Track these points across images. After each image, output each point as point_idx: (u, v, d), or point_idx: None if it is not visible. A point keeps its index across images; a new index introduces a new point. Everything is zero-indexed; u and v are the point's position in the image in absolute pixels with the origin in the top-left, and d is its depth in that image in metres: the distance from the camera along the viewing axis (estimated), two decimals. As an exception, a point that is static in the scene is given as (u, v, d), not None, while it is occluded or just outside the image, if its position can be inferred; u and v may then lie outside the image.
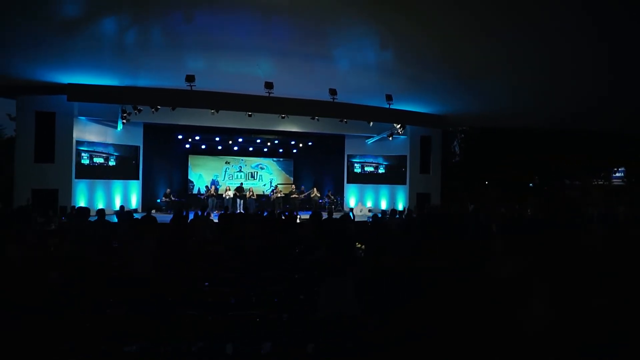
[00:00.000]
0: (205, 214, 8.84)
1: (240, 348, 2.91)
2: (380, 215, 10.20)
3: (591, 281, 3.94)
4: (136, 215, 10.54)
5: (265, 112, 11.84)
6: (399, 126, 13.53)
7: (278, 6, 7.03)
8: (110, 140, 13.93)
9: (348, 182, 16.88)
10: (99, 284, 4.29)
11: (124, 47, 9.04)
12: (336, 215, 9.83)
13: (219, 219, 9.18)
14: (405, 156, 16.12)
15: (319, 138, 16.76)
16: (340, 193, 16.87)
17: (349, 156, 16.88)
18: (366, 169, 16.98)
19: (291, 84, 10.50)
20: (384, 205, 16.19)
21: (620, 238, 6.70)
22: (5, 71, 10.36)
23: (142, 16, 7.64)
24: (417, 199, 15.57)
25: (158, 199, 15.44)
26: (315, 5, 7.04)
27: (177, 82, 9.76)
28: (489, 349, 2.86)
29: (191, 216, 9.00)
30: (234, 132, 15.65)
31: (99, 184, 13.55)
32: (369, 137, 15.85)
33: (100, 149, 13.65)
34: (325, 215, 9.10)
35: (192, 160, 16.67)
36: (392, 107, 11.50)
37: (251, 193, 15.11)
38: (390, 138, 14.72)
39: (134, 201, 14.79)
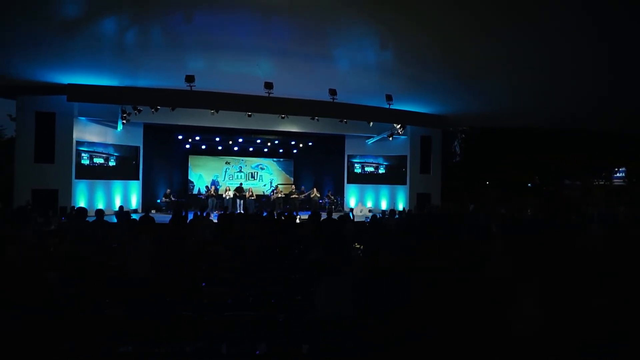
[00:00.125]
0: (204, 214, 8.83)
1: (236, 348, 2.90)
2: (380, 216, 10.19)
3: (591, 281, 3.93)
4: (136, 216, 10.54)
5: (265, 112, 11.85)
6: (399, 126, 13.53)
7: (278, 6, 7.03)
8: (110, 141, 13.94)
9: (348, 182, 16.89)
10: (96, 284, 4.28)
11: (124, 47, 9.04)
12: (336, 215, 9.82)
13: (218, 219, 9.17)
14: (406, 156, 16.11)
15: (319, 138, 16.76)
16: (340, 193, 16.87)
17: (349, 156, 16.88)
18: (366, 169, 16.98)
19: (291, 84, 10.50)
20: (384, 205, 16.18)
21: (620, 238, 6.69)
22: (5, 71, 10.37)
23: (142, 16, 7.64)
24: (418, 199, 15.56)
25: (158, 199, 15.46)
26: (315, 5, 7.03)
27: (177, 82, 9.76)
28: (488, 349, 2.86)
29: (191, 216, 8.99)
30: (234, 133, 15.66)
31: (99, 184, 13.55)
32: (369, 137, 15.84)
33: (100, 149, 13.65)
34: (324, 216, 9.09)
35: (192, 160, 16.67)
36: (392, 107, 11.49)
37: (250, 193, 15.11)
38: (391, 138, 14.71)
39: (134, 201, 14.79)
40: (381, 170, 16.86)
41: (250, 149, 17.03)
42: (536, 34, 7.82)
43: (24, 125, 12.05)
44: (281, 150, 17.47)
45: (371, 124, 13.08)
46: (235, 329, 3.19)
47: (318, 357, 2.94)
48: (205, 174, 16.76)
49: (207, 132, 15.56)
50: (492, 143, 22.22)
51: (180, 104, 11.01)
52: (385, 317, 3.30)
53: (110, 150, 14.05)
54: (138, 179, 14.96)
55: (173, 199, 14.80)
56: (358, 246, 5.95)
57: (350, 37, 8.37)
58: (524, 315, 2.92)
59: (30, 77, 10.75)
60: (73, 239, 5.85)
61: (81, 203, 12.43)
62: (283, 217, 9.17)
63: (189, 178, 16.57)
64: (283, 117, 12.90)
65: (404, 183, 16.19)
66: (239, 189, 15.14)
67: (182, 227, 7.44)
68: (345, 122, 12.95)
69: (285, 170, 17.78)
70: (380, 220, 8.93)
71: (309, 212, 11.56)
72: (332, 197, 16.43)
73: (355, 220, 9.93)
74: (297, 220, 10.19)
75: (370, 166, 16.95)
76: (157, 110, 11.32)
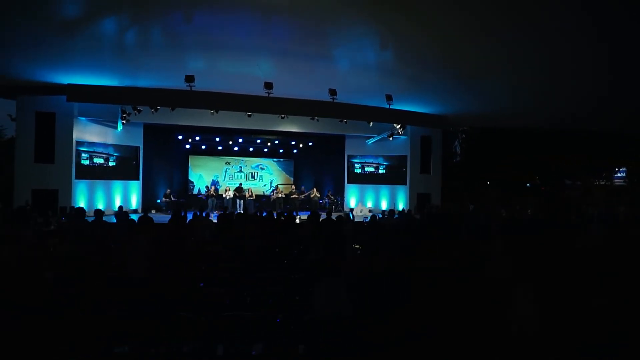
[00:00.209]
0: (204, 214, 8.83)
1: (233, 349, 2.90)
2: (380, 216, 10.18)
3: (591, 281, 3.92)
4: (136, 216, 10.54)
5: (265, 113, 11.84)
6: (399, 126, 13.52)
7: (278, 6, 7.03)
8: (110, 141, 13.93)
9: (348, 183, 16.88)
10: (95, 284, 4.28)
11: (123, 47, 9.04)
12: (335, 215, 9.81)
13: (217, 220, 9.16)
14: (406, 156, 16.10)
15: (319, 138, 16.76)
16: (340, 193, 16.86)
17: (349, 156, 16.87)
18: (366, 169, 16.97)
19: (291, 84, 10.50)
20: (384, 205, 16.18)
21: (620, 238, 6.69)
22: (5, 71, 10.38)
23: (142, 16, 7.64)
24: (418, 199, 15.57)
25: (158, 199, 15.45)
26: (315, 5, 7.03)
27: (176, 83, 9.76)
28: (488, 349, 2.85)
29: (190, 217, 8.99)
30: (234, 133, 15.66)
31: (99, 184, 13.55)
32: (369, 138, 15.84)
33: (100, 149, 13.65)
34: (324, 216, 9.09)
35: (193, 160, 16.67)
36: (392, 107, 11.49)
37: (250, 193, 15.11)
38: (391, 138, 14.71)
39: (134, 201, 14.78)
40: (381, 171, 16.85)
41: (251, 149, 17.03)
42: (536, 34, 7.82)
43: (24, 125, 12.05)
44: (281, 151, 17.47)
45: (371, 124, 13.08)
46: (234, 329, 3.19)
47: (317, 357, 2.93)
48: (206, 174, 16.76)
49: (207, 132, 15.55)
50: (492, 143, 22.22)
51: (180, 104, 11.01)
52: (385, 317, 3.30)
53: (110, 151, 14.05)
54: (138, 179, 14.95)
55: (173, 199, 14.80)
56: (357, 246, 5.94)
57: (350, 37, 8.37)
58: (523, 315, 2.91)
59: (30, 77, 10.75)
60: (72, 239, 5.85)
61: (81, 203, 12.42)
62: (282, 218, 9.17)
63: (189, 178, 16.56)
64: (283, 117, 12.90)
65: (404, 183, 16.19)
66: (239, 189, 15.14)
67: (181, 228, 7.43)
68: (345, 122, 12.94)
69: (286, 170, 17.78)
70: (380, 221, 8.93)
71: (309, 212, 11.57)
72: (332, 197, 16.42)
73: (355, 220, 9.93)
74: (297, 221, 10.18)
75: (371, 166, 16.94)
76: (157, 110, 11.32)
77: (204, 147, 16.57)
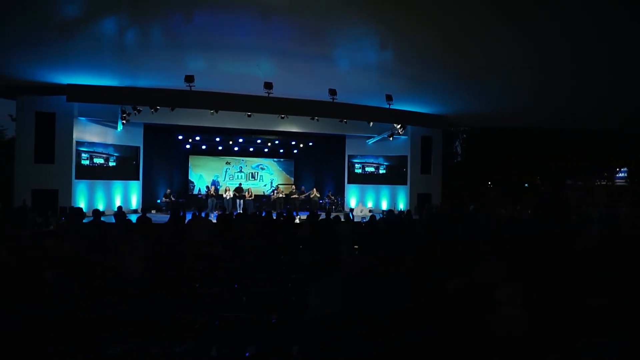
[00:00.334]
0: (203, 214, 8.82)
1: (227, 350, 2.89)
2: (380, 216, 10.18)
3: (591, 281, 3.92)
4: (135, 216, 10.53)
5: (265, 113, 11.83)
6: (399, 126, 13.51)
7: (278, 6, 7.03)
8: (110, 141, 13.94)
9: (349, 183, 16.87)
10: (94, 284, 4.27)
11: (123, 48, 9.04)
12: (334, 215, 9.82)
13: (217, 220, 9.16)
14: (406, 156, 16.11)
15: (320, 138, 16.75)
16: (340, 193, 16.86)
17: (350, 156, 16.87)
18: (367, 169, 16.97)
19: (291, 84, 10.50)
20: (384, 205, 16.17)
21: (620, 238, 6.68)
22: (5, 71, 10.38)
23: (142, 16, 7.64)
24: (418, 199, 15.56)
25: (158, 199, 15.45)
26: (315, 5, 7.03)
27: (176, 83, 9.76)
28: (488, 349, 2.85)
29: (189, 217, 8.98)
30: (234, 133, 15.66)
31: (99, 184, 13.55)
32: (369, 138, 15.83)
33: (100, 149, 13.65)
34: (323, 216, 9.09)
35: (193, 160, 16.67)
36: (392, 107, 11.49)
37: (250, 194, 15.10)
38: (391, 138, 14.71)
39: (134, 202, 14.79)
40: (382, 171, 16.85)
41: (251, 149, 17.02)
42: (536, 34, 7.82)
43: (24, 126, 12.06)
44: (281, 151, 17.47)
45: (371, 124, 13.07)
46: (232, 329, 3.18)
47: (317, 357, 2.92)
48: (206, 174, 16.76)
49: (207, 132, 15.56)
50: (492, 143, 22.21)
51: (180, 104, 11.01)
52: (384, 317, 3.29)
53: (110, 151, 14.05)
54: (138, 179, 14.95)
55: (173, 199, 14.80)
56: (356, 247, 5.94)
57: (350, 37, 8.36)
58: (522, 315, 2.91)
59: (30, 77, 10.76)
60: (71, 239, 5.84)
61: (81, 203, 12.43)
62: (282, 218, 9.16)
63: (190, 178, 16.57)
64: (283, 117, 12.89)
65: (404, 183, 16.18)
66: (238, 189, 15.14)
67: (180, 228, 7.43)
68: (346, 122, 12.94)
69: (286, 170, 17.78)
70: (377, 221, 8.92)
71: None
72: (333, 198, 16.41)
73: (354, 220, 9.92)
74: (297, 221, 10.18)
75: (371, 166, 16.94)
76: (157, 110, 11.32)
77: (204, 147, 16.57)
